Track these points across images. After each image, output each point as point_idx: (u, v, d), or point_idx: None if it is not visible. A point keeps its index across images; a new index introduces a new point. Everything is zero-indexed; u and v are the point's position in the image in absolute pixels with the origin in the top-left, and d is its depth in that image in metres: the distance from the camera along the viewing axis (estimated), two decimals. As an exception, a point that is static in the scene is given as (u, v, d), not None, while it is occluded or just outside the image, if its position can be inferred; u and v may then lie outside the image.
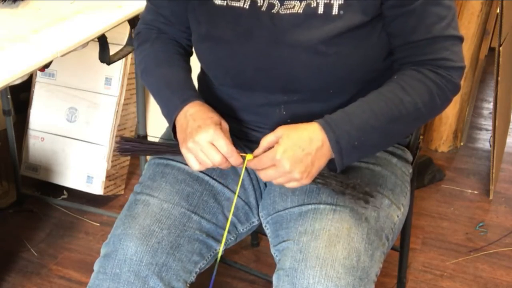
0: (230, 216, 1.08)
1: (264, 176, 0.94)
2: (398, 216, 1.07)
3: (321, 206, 1.01)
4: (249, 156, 0.96)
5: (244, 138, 1.14)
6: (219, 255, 1.05)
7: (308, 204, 1.02)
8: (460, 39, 1.00)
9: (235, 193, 1.11)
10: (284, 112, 1.05)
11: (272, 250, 1.05)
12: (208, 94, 1.16)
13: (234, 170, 1.12)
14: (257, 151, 0.96)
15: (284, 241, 1.01)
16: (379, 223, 1.01)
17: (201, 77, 1.20)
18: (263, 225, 1.11)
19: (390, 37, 1.00)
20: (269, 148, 0.94)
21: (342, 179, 1.00)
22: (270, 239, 1.08)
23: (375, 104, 0.95)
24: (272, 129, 1.00)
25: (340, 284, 0.91)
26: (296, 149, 0.92)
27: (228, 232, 1.11)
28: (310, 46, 0.96)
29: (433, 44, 0.97)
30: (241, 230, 1.13)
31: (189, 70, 1.13)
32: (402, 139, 1.17)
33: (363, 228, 0.98)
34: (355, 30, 0.96)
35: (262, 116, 1.08)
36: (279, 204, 1.07)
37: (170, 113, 1.04)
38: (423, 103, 0.97)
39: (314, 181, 0.96)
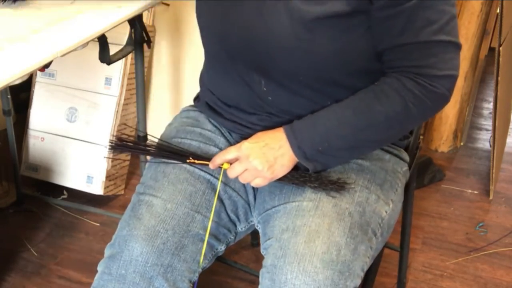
0: (211, 216, 1.08)
1: (230, 171, 1.02)
2: (386, 212, 1.06)
3: (304, 203, 1.02)
4: (225, 166, 1.04)
5: (239, 134, 1.15)
6: (203, 250, 1.05)
7: (292, 201, 1.03)
8: (455, 44, 0.96)
9: (235, 192, 1.12)
10: (268, 95, 1.06)
11: (261, 249, 1.06)
12: (206, 90, 1.18)
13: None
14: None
15: (269, 239, 1.02)
16: (364, 217, 1.01)
17: (202, 73, 1.22)
18: (256, 225, 1.12)
19: (379, 39, 0.97)
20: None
21: (311, 176, 1.03)
22: (260, 238, 1.08)
23: (342, 112, 0.98)
24: (262, 126, 1.07)
25: (317, 278, 0.91)
26: (259, 142, 1.00)
27: (228, 231, 1.12)
28: (287, 27, 0.95)
29: (420, 49, 0.95)
30: (240, 229, 1.14)
31: None
32: (383, 145, 1.14)
33: (345, 222, 0.98)
34: (333, 19, 0.94)
35: (245, 100, 1.09)
36: (267, 203, 1.08)
37: None
38: (395, 113, 0.97)
39: (281, 179, 1.02)
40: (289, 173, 1.03)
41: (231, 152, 1.02)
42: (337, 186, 1.02)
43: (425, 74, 0.96)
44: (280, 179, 1.03)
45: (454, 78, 0.98)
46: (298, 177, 1.03)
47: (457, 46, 0.97)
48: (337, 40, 0.96)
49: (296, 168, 1.04)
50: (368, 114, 0.97)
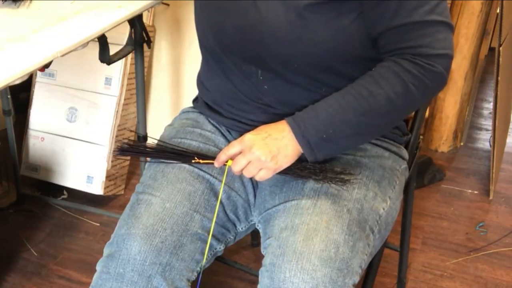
0: (215, 216, 1.08)
1: (234, 165, 1.01)
2: (384, 209, 1.06)
3: (303, 201, 1.02)
4: (229, 163, 1.03)
5: (238, 132, 1.15)
6: (206, 250, 1.05)
7: (292, 200, 1.03)
8: (447, 25, 0.98)
9: (234, 192, 1.12)
10: (264, 84, 1.06)
11: (261, 248, 1.06)
12: (204, 90, 1.19)
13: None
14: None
15: (268, 238, 1.02)
16: (362, 214, 1.02)
17: (199, 75, 1.22)
18: (256, 224, 1.12)
19: (373, 24, 0.98)
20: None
21: (316, 167, 1.03)
22: (261, 238, 1.08)
23: (343, 98, 0.98)
24: (257, 120, 1.07)
25: (316, 276, 0.92)
26: (261, 133, 1.00)
27: (227, 230, 1.12)
28: (281, 14, 0.97)
29: (413, 30, 0.97)
30: (240, 229, 1.14)
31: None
32: (385, 131, 1.15)
33: (343, 219, 0.99)
34: (325, 5, 0.96)
35: (242, 91, 1.09)
36: (268, 203, 1.08)
37: None
38: (396, 95, 0.97)
39: (286, 172, 1.01)
40: (293, 165, 1.02)
41: (234, 146, 1.02)
42: (342, 177, 1.02)
43: (422, 53, 0.97)
44: (284, 172, 1.02)
45: (449, 57, 0.99)
46: (302, 169, 1.03)
47: (449, 27, 0.99)
48: (330, 26, 0.97)
49: (300, 161, 1.03)
50: (370, 98, 0.97)
